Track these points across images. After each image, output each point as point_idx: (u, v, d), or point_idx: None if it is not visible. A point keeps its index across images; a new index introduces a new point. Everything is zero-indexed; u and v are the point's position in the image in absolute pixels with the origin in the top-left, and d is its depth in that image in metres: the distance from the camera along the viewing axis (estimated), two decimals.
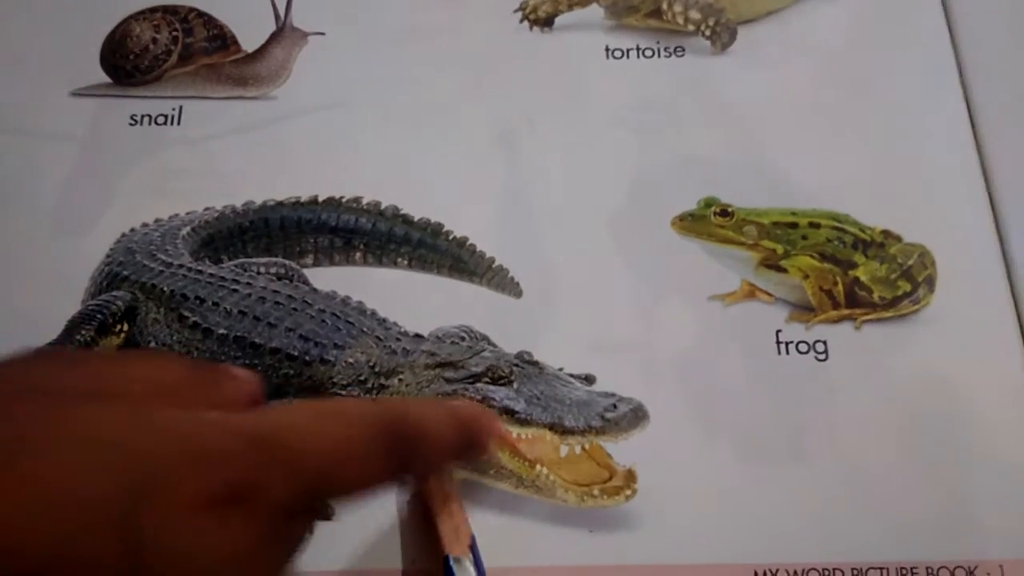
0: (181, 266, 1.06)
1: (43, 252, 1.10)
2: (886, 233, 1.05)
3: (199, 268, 1.05)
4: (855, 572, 0.88)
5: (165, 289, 1.03)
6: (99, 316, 1.02)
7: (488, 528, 0.91)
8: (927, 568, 0.88)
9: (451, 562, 0.83)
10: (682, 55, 1.21)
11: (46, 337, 1.02)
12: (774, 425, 0.96)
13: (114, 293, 1.05)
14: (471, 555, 0.84)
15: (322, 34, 1.24)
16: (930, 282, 1.03)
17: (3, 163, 1.16)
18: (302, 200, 1.13)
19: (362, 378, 0.96)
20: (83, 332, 1.02)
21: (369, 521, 0.92)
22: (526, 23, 1.25)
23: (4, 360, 0.58)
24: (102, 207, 1.13)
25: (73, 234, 1.11)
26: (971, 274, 1.03)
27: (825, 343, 1.00)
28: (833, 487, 0.92)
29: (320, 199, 1.13)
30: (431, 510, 0.87)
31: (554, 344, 1.00)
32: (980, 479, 0.92)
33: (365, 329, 0.98)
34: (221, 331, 0.99)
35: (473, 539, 0.85)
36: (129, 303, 1.03)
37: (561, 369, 0.95)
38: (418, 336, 0.99)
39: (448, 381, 0.93)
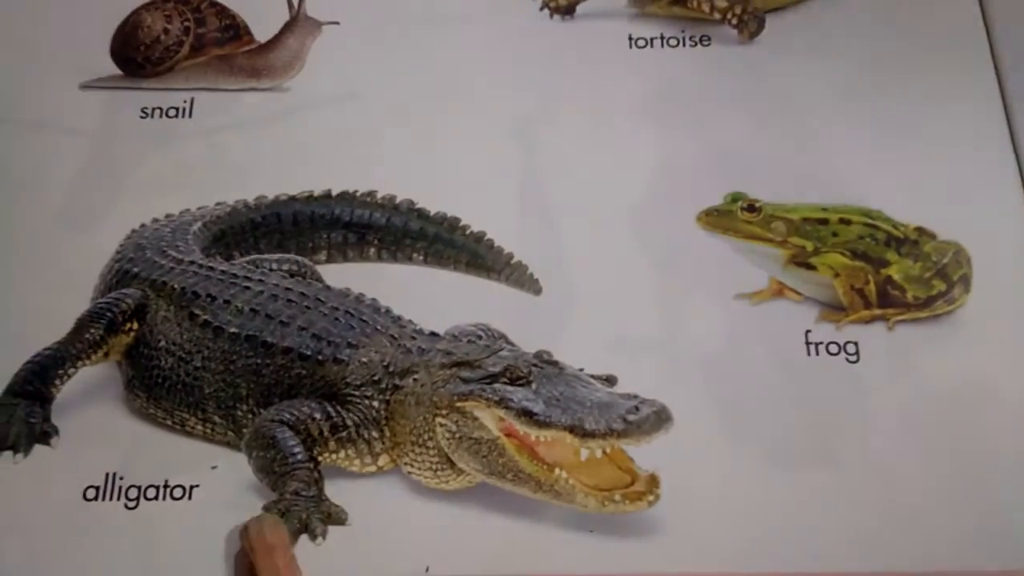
0: (192, 263, 1.04)
1: (52, 248, 1.09)
2: (920, 230, 1.03)
3: (210, 265, 1.04)
4: None
5: (176, 286, 1.02)
6: (109, 314, 1.01)
7: (506, 534, 0.90)
8: None
9: None
10: (708, 44, 1.19)
11: (55, 335, 1.01)
12: (803, 429, 0.94)
13: (124, 290, 1.03)
14: None
15: (337, 23, 1.23)
16: (965, 281, 1.00)
17: (12, 157, 1.16)
18: (315, 195, 1.12)
19: (376, 378, 0.94)
20: (92, 330, 1.01)
21: (382, 526, 0.91)
22: (547, 11, 1.23)
23: None
24: (112, 202, 1.12)
25: (82, 230, 1.10)
26: (1008, 273, 1.01)
27: (856, 344, 0.98)
28: (864, 493, 0.91)
29: (334, 193, 1.12)
30: (254, 564, 0.85)
31: (574, 343, 0.98)
32: (1017, 485, 0.90)
33: (379, 327, 0.97)
34: (232, 329, 0.98)
35: None
36: (139, 301, 1.02)
37: (582, 369, 0.93)
38: (434, 334, 0.98)
39: (465, 381, 0.91)
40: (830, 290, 1.01)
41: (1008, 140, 1.09)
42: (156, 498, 0.93)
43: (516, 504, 0.90)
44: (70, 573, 0.90)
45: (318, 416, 0.93)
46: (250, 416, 0.96)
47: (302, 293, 1.00)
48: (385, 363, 0.94)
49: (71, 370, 1.00)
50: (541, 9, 1.23)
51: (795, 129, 1.11)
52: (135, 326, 1.02)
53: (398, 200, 1.11)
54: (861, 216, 1.03)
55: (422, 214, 1.11)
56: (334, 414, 0.93)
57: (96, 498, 0.93)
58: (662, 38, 1.20)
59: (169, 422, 0.99)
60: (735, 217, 1.03)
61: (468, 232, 1.09)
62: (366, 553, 0.89)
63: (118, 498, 0.93)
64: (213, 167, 1.14)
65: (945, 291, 1.00)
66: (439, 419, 0.91)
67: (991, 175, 1.07)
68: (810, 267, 1.02)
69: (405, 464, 0.93)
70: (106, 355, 1.01)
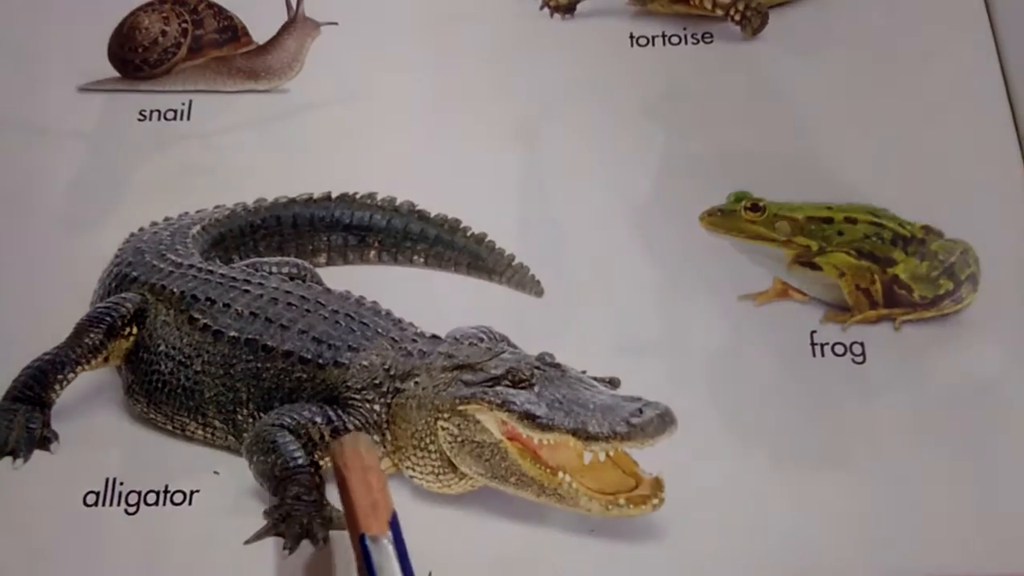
0: (191, 266, 1.04)
1: (51, 252, 1.09)
2: (927, 229, 1.02)
3: (210, 268, 1.04)
4: None
5: (175, 290, 1.01)
6: (108, 318, 1.01)
7: (509, 538, 0.89)
8: None
9: (367, 542, 0.79)
10: (710, 41, 1.18)
11: (54, 340, 1.00)
12: (809, 431, 0.94)
13: (123, 295, 1.03)
14: (391, 534, 0.80)
15: (335, 24, 1.22)
16: (973, 280, 1.00)
17: (10, 160, 1.15)
18: (315, 197, 1.12)
19: (377, 381, 0.94)
20: (92, 335, 1.00)
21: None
22: (547, 10, 1.23)
23: None
24: (110, 205, 1.12)
25: (81, 233, 1.10)
26: (1016, 272, 1.00)
27: (863, 344, 0.97)
28: (872, 495, 0.90)
29: (333, 195, 1.12)
30: (347, 484, 0.83)
31: (577, 345, 0.98)
32: None
33: (380, 330, 0.97)
34: (232, 333, 0.97)
35: (394, 516, 0.81)
36: (138, 305, 1.02)
37: (584, 372, 0.93)
38: (435, 337, 0.97)
39: (466, 384, 0.91)
40: (835, 290, 1.00)
41: (1014, 137, 1.08)
42: (156, 503, 0.93)
43: (519, 508, 0.90)
44: None
45: (319, 420, 0.92)
46: (250, 420, 0.95)
47: (302, 296, 0.99)
48: (386, 366, 0.94)
49: (71, 375, 0.99)
50: (541, 8, 1.23)
51: (799, 126, 1.10)
52: (134, 330, 1.01)
53: (398, 202, 1.11)
54: (867, 215, 1.02)
55: (423, 216, 1.10)
56: (335, 418, 0.93)
57: (96, 503, 0.93)
58: (664, 36, 1.19)
59: (169, 427, 0.99)
60: (739, 217, 1.03)
61: (469, 234, 1.09)
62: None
63: (118, 503, 0.93)
64: (212, 169, 1.14)
65: (952, 290, 0.99)
66: (441, 422, 0.90)
67: (999, 173, 1.06)
68: (815, 267, 1.01)
69: (407, 468, 0.92)
70: (106, 360, 1.01)
